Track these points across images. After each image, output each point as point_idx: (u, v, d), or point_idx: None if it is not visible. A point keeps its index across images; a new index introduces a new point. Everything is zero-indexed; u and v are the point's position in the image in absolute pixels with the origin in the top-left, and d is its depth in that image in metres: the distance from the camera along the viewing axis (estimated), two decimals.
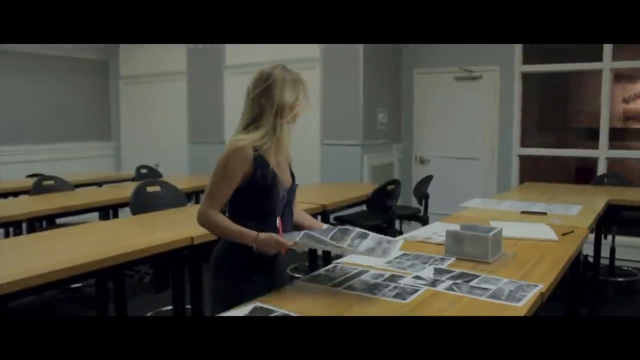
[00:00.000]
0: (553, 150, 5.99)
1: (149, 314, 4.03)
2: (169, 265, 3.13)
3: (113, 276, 3.03)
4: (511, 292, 1.81)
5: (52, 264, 2.13)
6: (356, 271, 2.07)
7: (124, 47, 7.69)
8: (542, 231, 2.75)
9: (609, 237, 4.89)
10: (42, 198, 4.22)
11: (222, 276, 1.98)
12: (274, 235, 1.86)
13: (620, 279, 5.02)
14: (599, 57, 5.47)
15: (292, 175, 2.10)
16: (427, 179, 5.10)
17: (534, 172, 5.96)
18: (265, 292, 1.84)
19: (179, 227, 2.88)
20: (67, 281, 2.18)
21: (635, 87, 5.95)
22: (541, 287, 1.86)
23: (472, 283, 1.91)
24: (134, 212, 3.57)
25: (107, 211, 4.52)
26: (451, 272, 2.05)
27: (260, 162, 1.91)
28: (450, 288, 1.87)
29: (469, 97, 6.11)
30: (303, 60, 5.74)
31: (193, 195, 4.96)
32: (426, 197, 4.93)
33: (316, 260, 4.15)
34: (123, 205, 4.13)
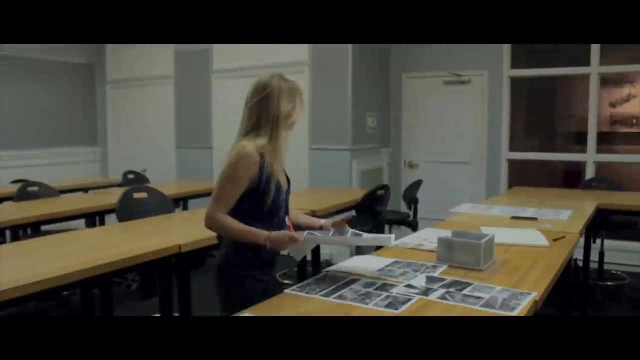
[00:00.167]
0: (541, 154, 6.01)
1: None
2: (157, 272, 3.09)
3: (99, 284, 2.98)
4: (504, 300, 1.79)
5: (36, 273, 2.07)
6: (347, 280, 2.04)
7: (110, 51, 7.60)
8: (533, 237, 2.74)
9: (598, 241, 4.92)
10: (26, 204, 4.14)
11: (226, 275, 2.09)
12: (286, 232, 1.99)
13: (609, 283, 5.04)
14: (586, 62, 5.51)
15: (288, 179, 2.24)
16: (417, 184, 5.09)
17: (522, 176, 5.97)
18: (267, 285, 2.07)
19: (167, 234, 2.84)
20: (52, 291, 2.12)
21: (622, 91, 5.99)
22: (534, 294, 1.84)
23: (465, 291, 1.89)
24: (120, 219, 3.51)
25: (94, 218, 4.46)
26: (443, 280, 2.03)
27: (265, 167, 2.02)
28: (443, 297, 1.84)
29: (458, 101, 6.11)
30: (291, 64, 5.72)
31: (181, 202, 4.87)
32: (415, 201, 4.92)
33: (305, 265, 4.12)
34: (110, 211, 4.06)
